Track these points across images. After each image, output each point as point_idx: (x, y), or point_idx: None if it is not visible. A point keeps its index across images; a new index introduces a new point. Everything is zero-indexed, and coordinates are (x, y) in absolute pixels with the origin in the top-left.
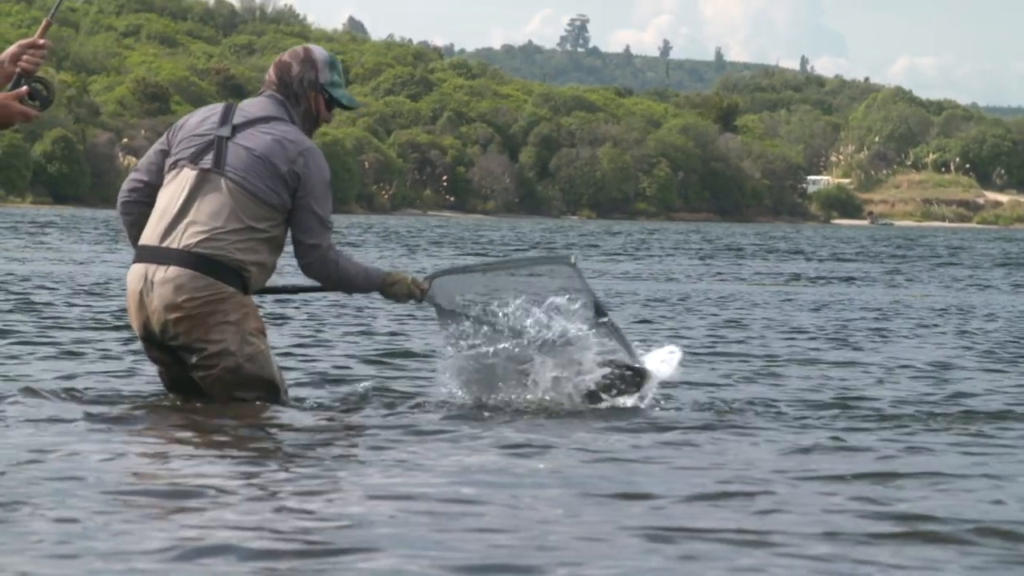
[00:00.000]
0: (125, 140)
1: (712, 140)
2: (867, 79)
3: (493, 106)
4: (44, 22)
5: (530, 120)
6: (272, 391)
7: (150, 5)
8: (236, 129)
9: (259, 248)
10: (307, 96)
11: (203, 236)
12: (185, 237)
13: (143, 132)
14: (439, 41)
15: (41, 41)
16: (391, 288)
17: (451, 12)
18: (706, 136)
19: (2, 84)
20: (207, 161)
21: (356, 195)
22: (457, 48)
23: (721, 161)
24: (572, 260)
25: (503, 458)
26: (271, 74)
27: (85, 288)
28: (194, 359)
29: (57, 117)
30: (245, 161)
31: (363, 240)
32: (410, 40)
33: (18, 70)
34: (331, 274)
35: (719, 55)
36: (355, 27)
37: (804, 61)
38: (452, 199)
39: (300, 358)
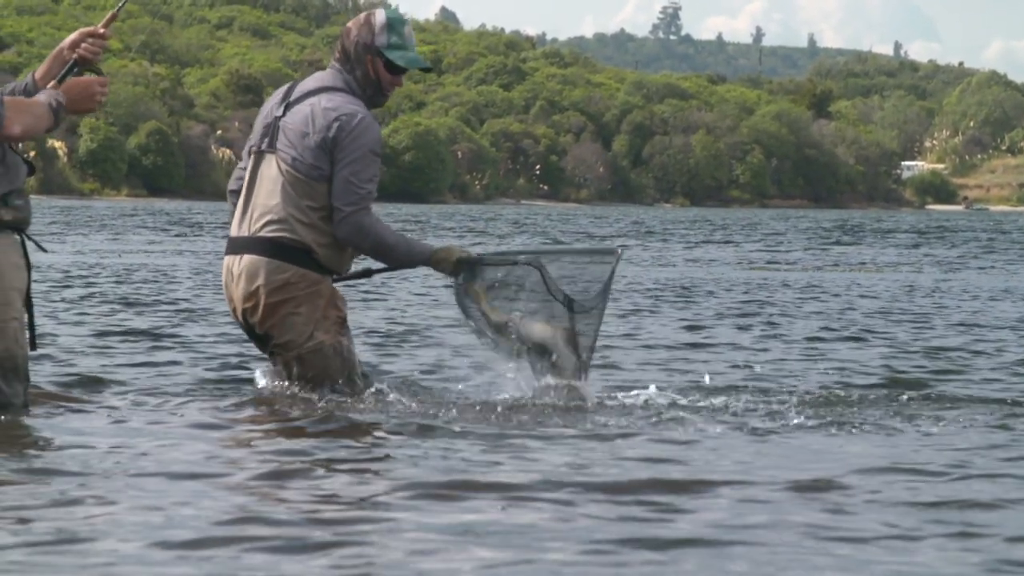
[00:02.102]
0: (219, 132)
1: (805, 126)
2: (961, 63)
3: (586, 95)
4: (110, 13)
5: (623, 108)
6: (331, 387)
7: None
8: (288, 107)
9: (319, 224)
10: (363, 61)
11: (265, 219)
12: (252, 223)
13: (236, 124)
14: (531, 30)
15: (103, 30)
16: (438, 265)
17: (543, 1)
18: (799, 123)
19: (57, 71)
20: (265, 143)
21: (449, 185)
22: (549, 37)
23: (815, 148)
24: (619, 252)
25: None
26: (337, 43)
27: (179, 279)
28: (269, 347)
29: (151, 110)
30: (289, 138)
31: (451, 228)
32: (502, 29)
33: (75, 57)
34: (364, 241)
35: (812, 41)
36: (447, 17)
37: (897, 46)
38: (545, 188)
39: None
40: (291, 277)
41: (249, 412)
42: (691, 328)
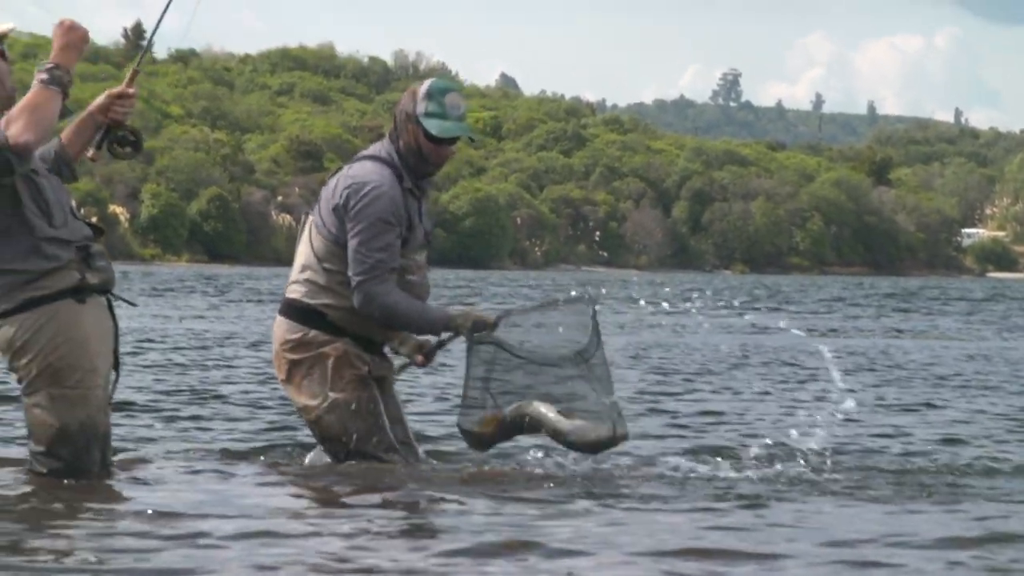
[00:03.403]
0: (279, 198)
1: (865, 193)
2: (1023, 131)
3: (645, 161)
4: (131, 71)
5: (682, 174)
6: (353, 445)
7: (303, 63)
8: (335, 173)
9: (336, 288)
10: (406, 130)
11: (293, 281)
12: (288, 283)
13: (297, 190)
14: (591, 96)
15: (131, 90)
16: (458, 329)
17: (603, 68)
18: (859, 189)
19: (92, 134)
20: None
21: (509, 251)
22: (609, 103)
23: (875, 215)
24: (592, 300)
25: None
26: None
27: (237, 344)
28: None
29: (212, 176)
30: (320, 203)
31: (511, 295)
32: (562, 96)
33: (108, 121)
34: (373, 310)
35: (872, 108)
36: (507, 83)
37: (958, 113)
38: (605, 254)
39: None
40: (303, 338)
41: (299, 478)
42: (763, 393)
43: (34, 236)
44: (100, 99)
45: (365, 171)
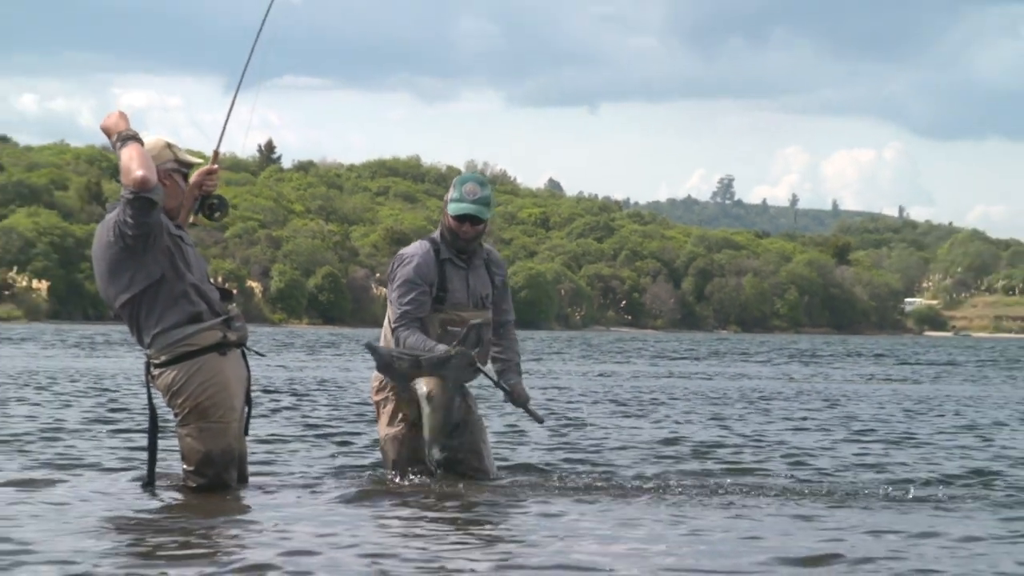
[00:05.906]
0: (377, 275)
1: (830, 271)
2: (951, 223)
3: (661, 246)
4: (214, 151)
5: (689, 256)
6: (393, 469)
7: (396, 171)
8: None
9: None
10: (444, 214)
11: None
12: None
13: None
14: (618, 195)
15: (215, 167)
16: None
17: (628, 172)
18: (826, 268)
19: (191, 205)
20: None
21: (555, 315)
22: (632, 201)
23: (838, 287)
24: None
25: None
26: None
27: (347, 388)
28: None
29: (325, 257)
30: None
31: (560, 351)
32: (596, 195)
33: (201, 193)
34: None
35: (835, 205)
36: (554, 186)
37: (901, 209)
38: (629, 318)
39: None
40: (379, 384)
41: (380, 499)
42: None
43: (184, 282)
44: (194, 177)
45: (411, 247)
